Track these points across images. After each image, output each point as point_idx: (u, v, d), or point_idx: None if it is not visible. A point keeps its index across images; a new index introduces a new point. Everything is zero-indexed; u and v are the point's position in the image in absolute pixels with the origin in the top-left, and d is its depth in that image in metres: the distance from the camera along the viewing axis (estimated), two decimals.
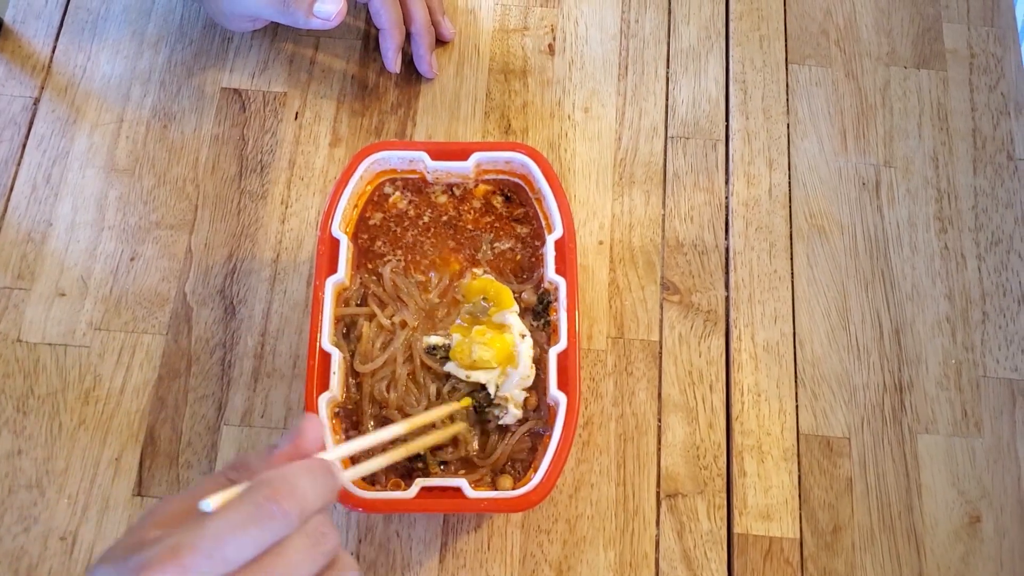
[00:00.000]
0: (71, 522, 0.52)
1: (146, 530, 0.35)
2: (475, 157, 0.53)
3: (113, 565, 0.35)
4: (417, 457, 0.49)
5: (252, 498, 0.34)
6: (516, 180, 0.55)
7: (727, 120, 0.63)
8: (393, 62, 0.61)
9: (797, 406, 0.56)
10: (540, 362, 0.51)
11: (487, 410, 0.50)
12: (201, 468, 0.54)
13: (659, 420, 0.55)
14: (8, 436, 0.54)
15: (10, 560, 0.51)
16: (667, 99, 0.63)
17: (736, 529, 0.53)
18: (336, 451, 0.42)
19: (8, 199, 0.59)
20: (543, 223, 0.54)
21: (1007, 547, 0.53)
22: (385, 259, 0.53)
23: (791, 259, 0.59)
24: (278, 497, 0.34)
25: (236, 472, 0.38)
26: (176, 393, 0.55)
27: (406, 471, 0.49)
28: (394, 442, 0.46)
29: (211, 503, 0.35)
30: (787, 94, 0.63)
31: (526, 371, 0.50)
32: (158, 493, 0.53)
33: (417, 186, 0.55)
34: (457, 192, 0.55)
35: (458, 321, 0.52)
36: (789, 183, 0.61)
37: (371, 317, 0.52)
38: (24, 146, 0.61)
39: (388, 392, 0.50)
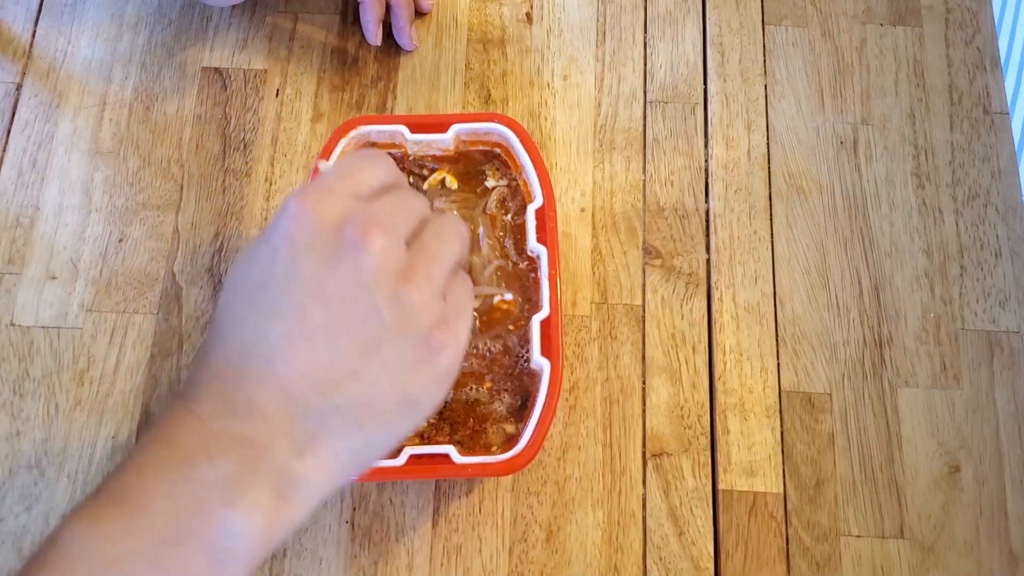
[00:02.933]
0: (72, 500, 0.54)
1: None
2: (454, 129, 0.54)
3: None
4: None
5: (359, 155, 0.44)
6: (496, 151, 0.55)
7: (705, 83, 0.63)
8: (374, 35, 0.62)
9: (778, 364, 0.57)
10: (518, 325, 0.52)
11: None
12: None
13: (643, 382, 0.56)
14: (6, 418, 0.55)
15: (13, 539, 0.53)
16: (645, 64, 0.64)
17: (721, 486, 0.54)
18: None
19: None
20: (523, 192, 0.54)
21: (986, 495, 0.54)
22: None
23: (771, 220, 0.60)
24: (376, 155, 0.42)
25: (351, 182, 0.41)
26: (169, 371, 0.56)
27: None
28: None
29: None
30: (764, 55, 0.64)
31: None
32: None
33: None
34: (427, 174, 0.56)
35: None
36: (767, 144, 0.61)
37: None
38: (8, 132, 0.61)
39: None
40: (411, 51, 0.63)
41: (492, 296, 0.52)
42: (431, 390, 0.39)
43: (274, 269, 0.37)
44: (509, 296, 0.51)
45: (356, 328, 0.37)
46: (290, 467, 0.36)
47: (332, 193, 0.38)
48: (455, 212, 0.53)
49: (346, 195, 0.39)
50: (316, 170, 0.52)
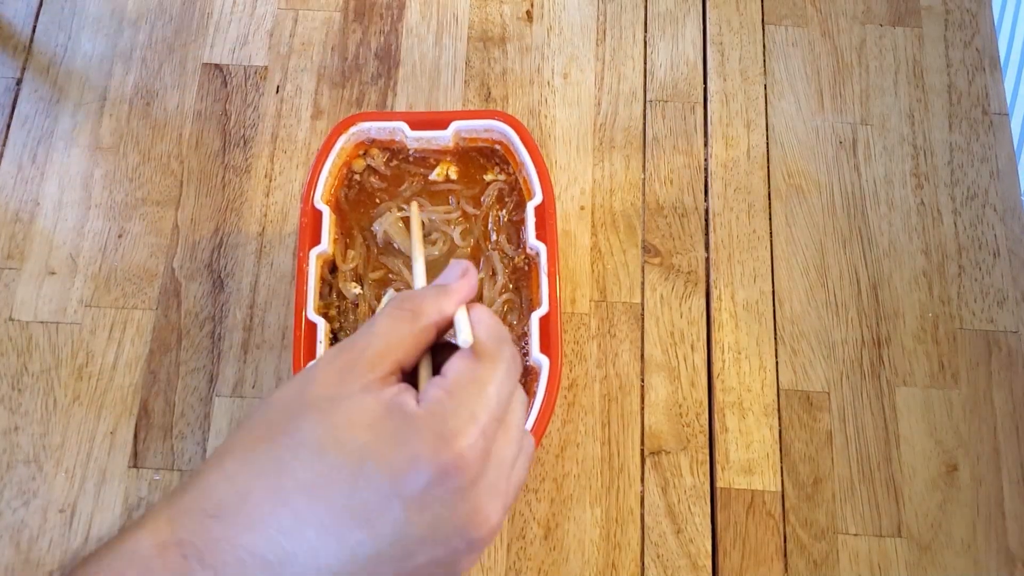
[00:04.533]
0: (69, 495, 0.53)
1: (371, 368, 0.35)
2: (454, 126, 0.54)
3: (389, 416, 0.33)
4: None
5: (505, 357, 0.35)
6: (496, 148, 0.55)
7: (705, 83, 0.63)
8: None
9: (777, 363, 0.57)
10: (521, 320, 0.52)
11: None
12: (195, 439, 0.55)
13: (642, 380, 0.56)
14: (4, 413, 0.55)
15: (11, 533, 0.53)
16: (645, 63, 0.64)
17: (719, 483, 0.54)
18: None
19: None
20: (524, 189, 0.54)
21: (983, 494, 0.54)
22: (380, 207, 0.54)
23: (769, 219, 0.60)
24: (517, 360, 0.36)
25: (412, 308, 0.37)
26: (168, 366, 0.56)
27: None
28: None
29: (470, 338, 0.35)
30: (764, 55, 0.64)
31: None
32: (153, 465, 0.54)
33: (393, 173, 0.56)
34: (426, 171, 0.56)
35: None
36: (767, 144, 0.62)
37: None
38: (8, 127, 0.61)
39: None
40: (412, 48, 0.63)
41: None
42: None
43: (384, 510, 0.32)
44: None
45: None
46: None
47: (485, 454, 0.33)
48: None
49: (490, 448, 0.34)
50: (316, 170, 0.52)
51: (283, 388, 0.36)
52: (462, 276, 0.38)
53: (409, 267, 0.53)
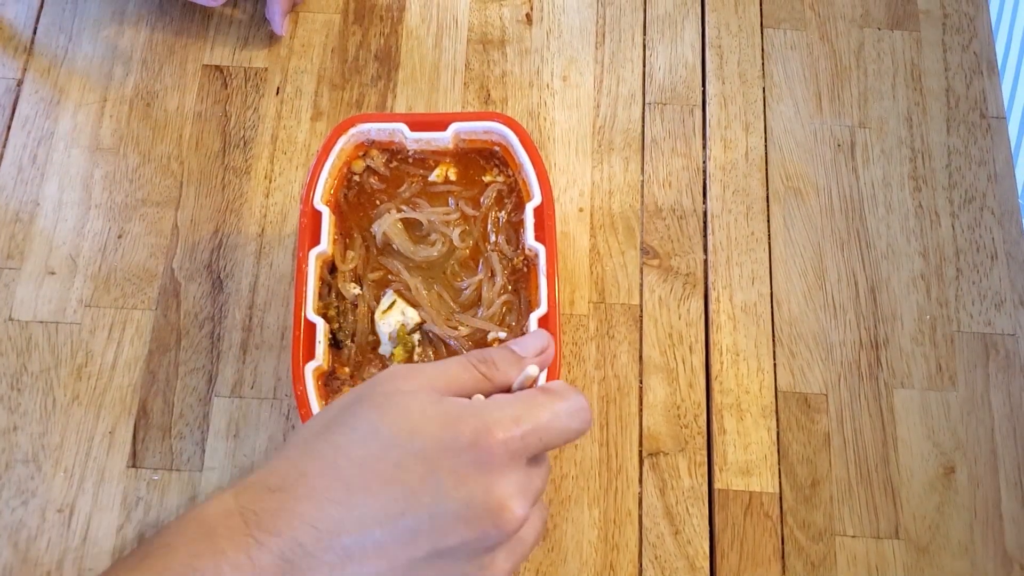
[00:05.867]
0: (68, 495, 0.54)
1: (429, 393, 0.39)
2: (453, 127, 0.54)
3: (437, 412, 0.38)
4: None
5: (569, 396, 0.39)
6: (495, 149, 0.56)
7: (703, 85, 0.63)
8: (281, 26, 0.63)
9: (775, 364, 0.57)
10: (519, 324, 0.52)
11: None
12: (194, 439, 0.55)
13: (640, 381, 0.56)
14: (3, 413, 0.55)
15: (9, 533, 0.53)
16: (644, 66, 0.64)
17: (717, 485, 0.54)
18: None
19: None
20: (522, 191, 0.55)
21: (981, 497, 0.54)
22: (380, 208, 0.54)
23: (768, 221, 0.60)
24: (584, 405, 0.40)
25: (484, 366, 0.41)
26: (167, 367, 0.56)
27: None
28: None
29: (536, 370, 0.41)
30: (762, 58, 0.64)
31: None
32: (152, 465, 0.54)
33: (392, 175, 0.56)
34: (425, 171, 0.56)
35: None
36: (765, 146, 0.62)
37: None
38: (9, 128, 0.62)
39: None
40: (412, 50, 0.64)
41: (488, 332, 0.52)
42: None
43: (424, 485, 0.36)
44: (503, 335, 0.52)
45: None
46: None
47: (519, 456, 0.37)
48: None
49: (528, 455, 0.38)
50: (315, 171, 0.52)
51: (344, 394, 0.41)
52: (540, 352, 0.43)
53: (407, 267, 0.53)
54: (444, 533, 0.36)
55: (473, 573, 0.37)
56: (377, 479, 0.36)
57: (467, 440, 0.36)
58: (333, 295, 0.52)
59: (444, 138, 0.54)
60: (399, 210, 0.54)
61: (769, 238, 0.60)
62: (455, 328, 0.52)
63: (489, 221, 0.54)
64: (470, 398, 0.40)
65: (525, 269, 0.53)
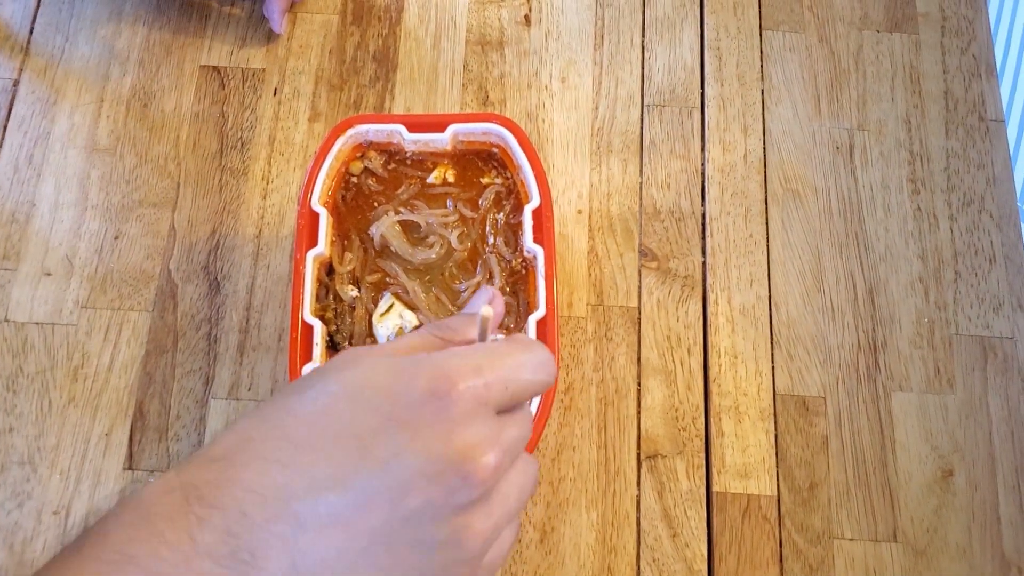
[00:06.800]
0: (64, 497, 0.53)
1: (392, 350, 0.36)
2: (452, 129, 0.54)
3: (390, 364, 0.34)
4: None
5: (531, 344, 0.36)
6: (493, 151, 0.56)
7: (702, 87, 0.63)
8: (279, 24, 0.63)
9: (773, 367, 0.57)
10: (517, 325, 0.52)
11: None
12: (191, 441, 0.55)
13: (638, 384, 0.56)
14: None
15: (5, 535, 0.52)
16: (643, 68, 0.64)
17: (715, 488, 0.54)
18: None
19: None
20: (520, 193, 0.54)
21: (978, 500, 0.54)
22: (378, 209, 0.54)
23: (766, 223, 0.60)
24: (548, 355, 0.36)
25: (440, 330, 0.38)
26: (164, 368, 0.56)
27: None
28: None
29: (490, 310, 0.36)
30: (761, 60, 0.64)
31: None
32: (148, 467, 0.54)
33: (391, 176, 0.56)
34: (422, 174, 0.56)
35: None
36: (764, 148, 0.62)
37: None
38: (5, 128, 0.61)
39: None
40: (410, 51, 0.63)
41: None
42: None
43: (376, 439, 0.32)
44: (500, 337, 0.51)
45: (402, 550, 0.33)
46: None
47: (483, 404, 0.33)
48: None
49: (495, 406, 0.34)
50: (313, 172, 0.52)
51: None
52: (489, 303, 0.38)
53: (405, 270, 0.53)
54: (404, 492, 0.32)
55: (445, 538, 0.33)
56: (326, 436, 0.33)
57: (423, 389, 0.33)
58: (331, 297, 0.52)
59: (442, 139, 0.54)
60: (397, 212, 0.54)
61: (767, 240, 0.59)
62: None
63: (487, 223, 0.54)
64: None
65: (523, 271, 0.53)
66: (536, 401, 0.48)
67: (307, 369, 0.49)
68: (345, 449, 0.33)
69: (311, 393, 0.34)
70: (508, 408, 0.35)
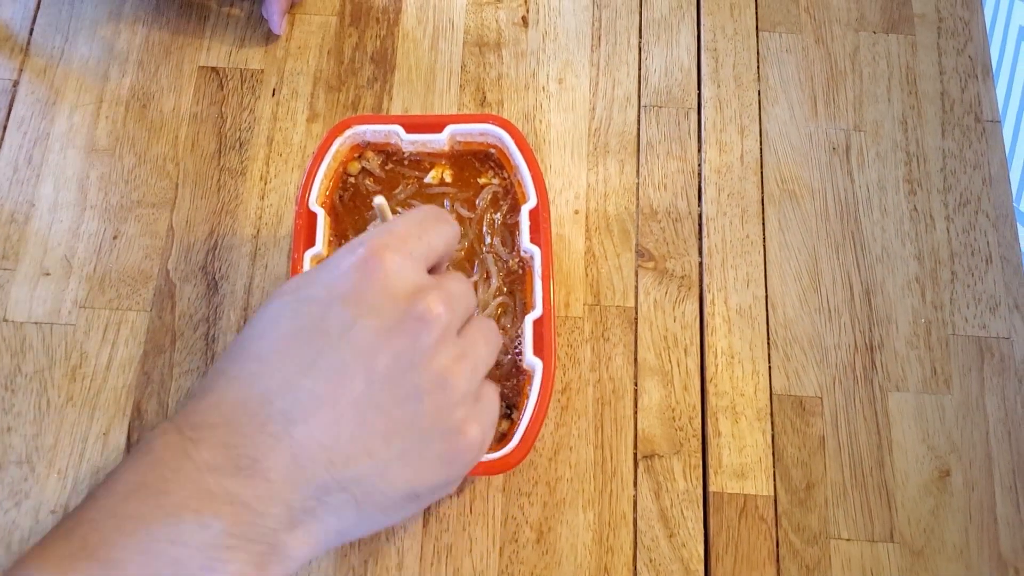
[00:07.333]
0: (61, 496, 0.53)
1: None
2: (449, 129, 0.54)
3: (315, 267, 0.38)
4: None
5: (427, 207, 0.41)
6: (491, 151, 0.56)
7: (699, 88, 0.63)
8: (279, 25, 0.63)
9: (770, 367, 0.57)
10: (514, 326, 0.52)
11: None
12: None
13: (635, 384, 0.56)
14: None
15: (2, 534, 0.52)
16: (640, 69, 0.64)
17: (711, 488, 0.54)
18: None
19: None
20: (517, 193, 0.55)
21: (975, 500, 0.54)
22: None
23: (763, 224, 0.60)
24: (445, 212, 0.41)
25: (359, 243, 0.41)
26: (162, 368, 0.56)
27: None
28: None
29: (382, 199, 0.41)
30: (758, 61, 0.64)
31: None
32: None
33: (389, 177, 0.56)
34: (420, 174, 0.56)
35: None
36: (760, 149, 0.62)
37: None
38: (4, 128, 0.61)
39: None
40: (408, 53, 0.64)
41: None
42: (437, 491, 0.38)
43: (326, 320, 0.35)
44: None
45: (391, 408, 0.35)
46: (279, 539, 0.34)
47: (407, 256, 0.36)
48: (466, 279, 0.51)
49: (419, 259, 0.37)
50: (311, 172, 0.52)
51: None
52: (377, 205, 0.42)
53: None
54: (370, 353, 0.34)
55: (428, 382, 0.35)
56: (285, 337, 0.35)
57: (351, 265, 0.36)
58: None
59: (440, 140, 0.54)
60: (395, 212, 0.54)
61: (764, 241, 0.60)
62: None
63: (484, 223, 0.54)
64: None
65: (520, 271, 0.53)
66: (533, 401, 0.49)
67: None
68: (304, 339, 0.35)
69: (259, 315, 0.37)
70: (434, 263, 0.39)
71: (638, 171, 0.61)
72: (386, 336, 0.35)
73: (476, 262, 0.53)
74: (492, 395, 0.39)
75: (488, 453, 0.49)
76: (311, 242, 0.51)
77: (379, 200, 0.40)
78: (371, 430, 0.34)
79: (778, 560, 0.53)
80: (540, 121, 0.62)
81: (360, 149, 0.55)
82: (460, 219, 0.54)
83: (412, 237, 0.37)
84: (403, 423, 0.35)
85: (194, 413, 0.35)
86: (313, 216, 0.52)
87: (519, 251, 0.53)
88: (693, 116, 0.63)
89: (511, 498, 0.54)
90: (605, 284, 0.58)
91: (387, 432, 0.35)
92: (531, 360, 0.49)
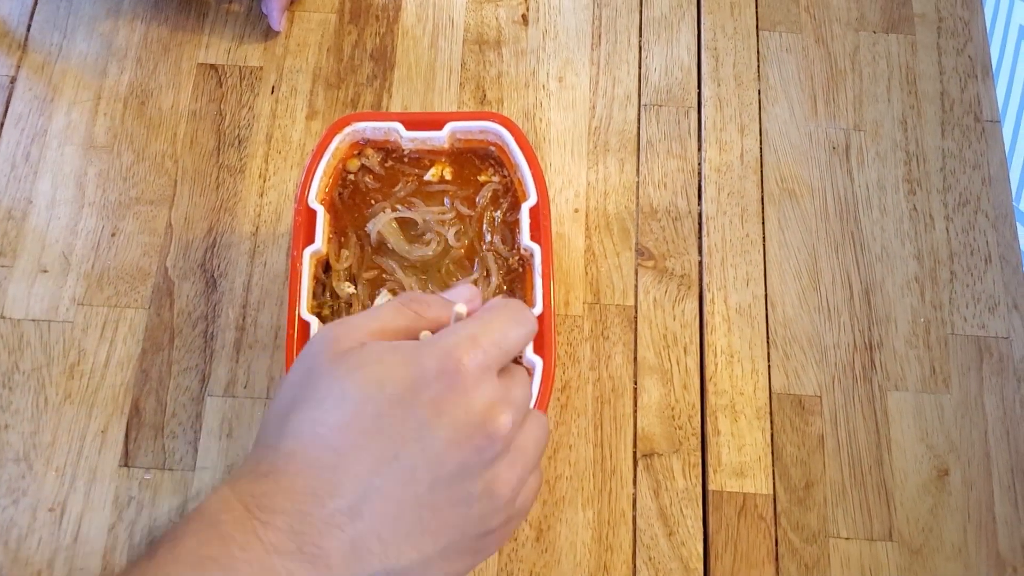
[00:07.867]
0: (59, 494, 0.53)
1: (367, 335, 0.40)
2: (449, 127, 0.54)
3: (395, 356, 0.38)
4: None
5: (508, 304, 0.41)
6: (491, 149, 0.56)
7: (699, 87, 0.63)
8: (278, 22, 0.63)
9: (769, 366, 0.57)
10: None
11: None
12: (187, 438, 0.54)
13: (635, 383, 0.56)
14: None
15: (0, 532, 0.52)
16: (640, 67, 0.64)
17: (711, 486, 0.54)
18: None
19: None
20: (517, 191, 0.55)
21: (974, 499, 0.54)
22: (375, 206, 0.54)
23: (763, 223, 0.60)
24: (524, 308, 0.41)
25: (415, 304, 0.42)
26: (160, 366, 0.56)
27: None
28: None
29: (464, 307, 0.41)
30: (758, 60, 0.64)
31: None
32: (144, 464, 0.54)
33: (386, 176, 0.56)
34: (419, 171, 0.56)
35: None
36: (760, 148, 0.62)
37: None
38: (2, 125, 0.61)
39: None
40: (408, 50, 0.63)
41: None
42: (467, 569, 0.40)
43: (406, 424, 0.37)
44: None
45: (445, 509, 0.37)
46: None
47: (487, 370, 0.38)
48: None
49: (497, 366, 0.39)
50: (310, 170, 0.52)
51: (287, 377, 0.40)
52: (468, 300, 0.42)
53: (402, 267, 0.53)
54: (440, 462, 0.37)
55: (480, 491, 0.38)
56: (361, 436, 0.37)
57: (434, 370, 0.37)
58: (327, 294, 0.52)
59: (440, 137, 0.54)
60: (394, 209, 0.54)
61: (764, 240, 0.60)
62: None
63: (484, 221, 0.54)
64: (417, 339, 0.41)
65: (520, 269, 0.53)
66: (532, 400, 0.48)
67: None
68: (380, 441, 0.37)
69: (331, 402, 0.38)
70: (505, 365, 0.40)
71: (638, 170, 0.61)
72: (456, 447, 0.37)
73: (476, 260, 0.53)
74: (530, 498, 0.41)
75: None
76: (310, 239, 0.51)
77: (460, 309, 0.41)
78: (424, 528, 0.37)
79: (777, 559, 0.53)
80: (540, 119, 0.62)
81: (360, 146, 0.55)
82: (460, 217, 0.54)
83: (493, 347, 0.38)
84: (451, 524, 0.38)
85: (263, 496, 0.36)
86: (312, 213, 0.52)
87: (519, 249, 0.53)
88: (693, 115, 0.63)
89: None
90: (605, 283, 0.58)
91: (436, 531, 0.37)
92: (531, 358, 0.49)
